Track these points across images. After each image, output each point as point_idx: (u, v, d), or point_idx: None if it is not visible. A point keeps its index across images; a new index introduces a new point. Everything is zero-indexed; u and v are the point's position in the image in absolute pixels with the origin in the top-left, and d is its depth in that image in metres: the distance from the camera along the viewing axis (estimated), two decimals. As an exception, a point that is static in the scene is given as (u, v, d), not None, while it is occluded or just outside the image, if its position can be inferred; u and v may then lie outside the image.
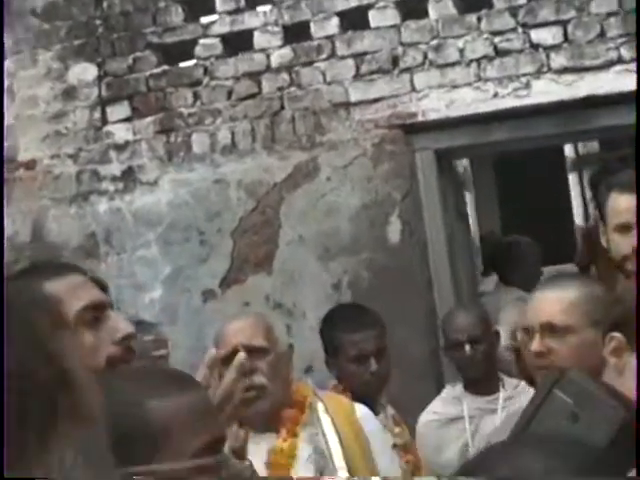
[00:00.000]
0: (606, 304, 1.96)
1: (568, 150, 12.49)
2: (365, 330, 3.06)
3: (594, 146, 14.64)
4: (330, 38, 4.40)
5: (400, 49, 4.33)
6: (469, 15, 4.31)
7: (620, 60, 4.18)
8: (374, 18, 4.37)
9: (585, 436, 1.45)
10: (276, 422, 2.46)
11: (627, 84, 4.16)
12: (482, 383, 3.41)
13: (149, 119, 4.51)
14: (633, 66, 4.16)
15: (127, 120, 4.53)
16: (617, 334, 1.84)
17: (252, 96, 4.44)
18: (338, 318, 3.19)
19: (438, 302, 4.16)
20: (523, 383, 3.20)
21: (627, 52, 4.17)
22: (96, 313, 1.62)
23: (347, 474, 2.43)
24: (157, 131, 4.50)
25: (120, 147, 4.52)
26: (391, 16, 4.36)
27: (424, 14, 4.35)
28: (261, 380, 2.52)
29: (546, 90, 4.22)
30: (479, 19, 4.30)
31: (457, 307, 3.78)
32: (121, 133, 4.53)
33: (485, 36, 4.28)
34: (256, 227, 4.34)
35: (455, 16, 4.32)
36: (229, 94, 4.46)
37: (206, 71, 4.49)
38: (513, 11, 4.28)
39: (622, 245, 2.74)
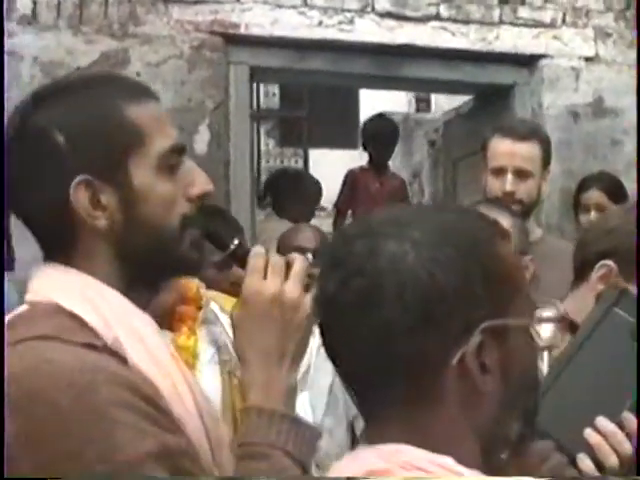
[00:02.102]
0: (600, 232, 2.27)
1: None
2: None
3: (275, 101, 15.52)
4: None
5: (229, -43, 4.49)
6: (301, -62, 4.58)
7: (438, 16, 4.69)
8: None
9: None
10: (173, 319, 2.53)
11: (442, 40, 4.69)
12: None
13: None
14: (449, 24, 4.69)
15: None
16: (608, 261, 2.10)
17: (61, -32, 4.36)
18: None
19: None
20: None
21: (445, 11, 4.72)
22: (178, 158, 1.44)
23: None
24: (-59, -18, 4.26)
25: None
26: None
27: None
28: None
29: (368, 30, 4.61)
30: (311, -56, 4.59)
31: (301, 224, 4.01)
32: None
33: (316, -38, 4.57)
34: (47, 111, 4.27)
35: None
36: (35, -41, 4.35)
37: None
38: (345, -56, 4.62)
39: (494, 187, 3.17)
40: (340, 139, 15.83)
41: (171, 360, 1.40)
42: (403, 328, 1.06)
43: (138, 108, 1.40)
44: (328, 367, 3.55)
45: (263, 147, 15.24)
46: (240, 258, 1.52)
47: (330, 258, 1.15)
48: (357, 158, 10.45)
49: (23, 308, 1.40)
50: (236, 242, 1.53)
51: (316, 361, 3.62)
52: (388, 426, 1.12)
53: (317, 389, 3.56)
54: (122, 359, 1.32)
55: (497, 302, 1.10)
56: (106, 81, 1.49)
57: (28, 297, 1.41)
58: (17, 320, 1.37)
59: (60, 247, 1.41)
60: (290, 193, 5.35)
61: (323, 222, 7.49)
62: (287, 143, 15.64)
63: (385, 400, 1.12)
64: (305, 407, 3.37)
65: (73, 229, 1.38)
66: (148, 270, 1.42)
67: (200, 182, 1.45)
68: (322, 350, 3.66)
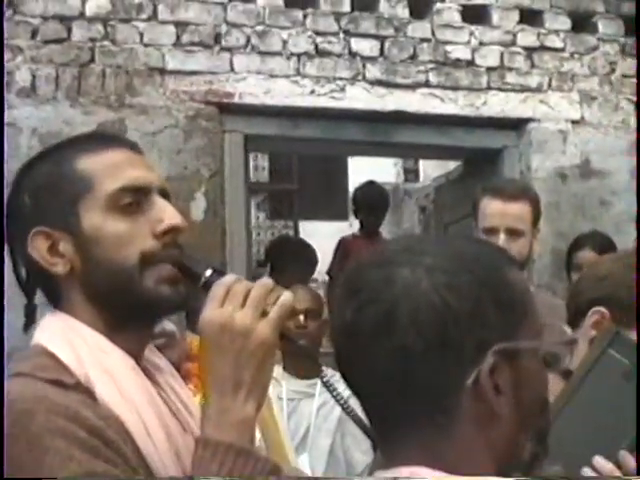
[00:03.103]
0: (592, 280, 2.34)
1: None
2: None
3: (264, 175, 15.67)
4: (153, 0, 4.60)
5: (224, 27, 4.65)
6: (295, 10, 4.74)
7: (427, 83, 4.82)
8: (201, -10, 4.65)
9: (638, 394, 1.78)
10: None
11: (431, 106, 4.81)
12: (302, 366, 3.63)
13: None
14: (438, 91, 4.82)
15: None
16: (601, 308, 2.15)
17: (59, 41, 4.50)
18: None
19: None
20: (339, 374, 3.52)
21: (434, 77, 4.85)
22: (136, 197, 1.48)
23: (259, 434, 2.50)
24: (-58, 57, 4.37)
25: None
26: (218, -8, 4.67)
27: (251, -2, 4.71)
28: (171, 327, 2.60)
29: (359, 97, 4.73)
30: (305, 16, 4.75)
31: (296, 286, 4.08)
32: None
33: (308, 34, 4.75)
34: (46, 181, 4.35)
35: (281, 7, 4.75)
36: (33, 33, 4.48)
37: (10, 3, 4.49)
38: (337, 16, 4.79)
39: None
40: (330, 211, 15.99)
41: (143, 398, 1.44)
42: (418, 352, 1.10)
43: (90, 158, 1.50)
44: (328, 427, 3.62)
45: (254, 220, 15.39)
46: None
47: (346, 287, 1.19)
48: (346, 229, 10.56)
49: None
50: (209, 272, 1.46)
51: (316, 422, 3.66)
52: (404, 449, 1.15)
53: (317, 450, 3.58)
54: (92, 396, 1.38)
55: (508, 326, 1.14)
56: (71, 141, 1.61)
57: (31, 342, 1.50)
58: (13, 362, 1.47)
59: (50, 296, 1.53)
60: (292, 259, 5.42)
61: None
62: (277, 216, 15.77)
63: (401, 423, 1.15)
64: (305, 468, 3.40)
65: (49, 278, 1.50)
66: (118, 310, 1.47)
67: (167, 217, 1.49)
68: (322, 411, 3.72)
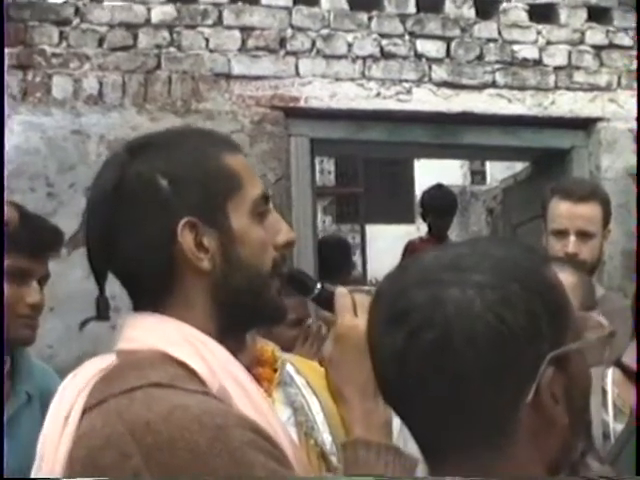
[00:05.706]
0: None
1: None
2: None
3: (330, 179, 15.69)
4: (218, 6, 4.59)
5: (289, 31, 4.62)
6: (360, 13, 4.70)
7: (494, 84, 4.75)
8: (265, -5, 4.64)
9: None
10: None
11: (498, 107, 4.74)
12: None
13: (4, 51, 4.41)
14: (505, 91, 4.74)
15: (-23, 48, 4.40)
16: None
17: (126, 48, 4.51)
18: None
19: (298, 291, 4.41)
20: None
21: (501, 78, 4.78)
22: (266, 206, 1.49)
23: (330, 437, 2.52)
24: (12, 65, 4.41)
25: (-34, 75, 4.38)
26: (283, -3, 4.65)
27: (315, 2, 4.67)
28: None
29: (425, 99, 4.68)
30: (369, 19, 4.71)
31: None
32: (-31, 61, 4.39)
33: (374, 36, 4.70)
34: (114, 187, 4.37)
35: (346, 11, 4.70)
36: (100, 41, 4.50)
37: (77, 12, 4.51)
38: (402, 18, 4.74)
39: (556, 248, 3.18)
40: (396, 214, 15.97)
41: (269, 409, 1.43)
42: (477, 374, 1.05)
43: (233, 157, 1.46)
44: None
45: (320, 224, 15.41)
46: (324, 301, 1.54)
47: (392, 309, 1.12)
48: (413, 233, 10.51)
49: (117, 357, 1.40)
50: (319, 286, 1.55)
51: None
52: (459, 471, 1.10)
53: None
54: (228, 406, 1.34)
55: (558, 331, 1.10)
56: (201, 133, 1.60)
57: (122, 345, 1.41)
58: (121, 367, 1.37)
59: (155, 294, 1.43)
60: (338, 260, 5.43)
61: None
62: (343, 219, 15.82)
63: (455, 450, 1.10)
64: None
65: (174, 272, 1.41)
66: (241, 314, 1.45)
67: (285, 231, 1.50)
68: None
